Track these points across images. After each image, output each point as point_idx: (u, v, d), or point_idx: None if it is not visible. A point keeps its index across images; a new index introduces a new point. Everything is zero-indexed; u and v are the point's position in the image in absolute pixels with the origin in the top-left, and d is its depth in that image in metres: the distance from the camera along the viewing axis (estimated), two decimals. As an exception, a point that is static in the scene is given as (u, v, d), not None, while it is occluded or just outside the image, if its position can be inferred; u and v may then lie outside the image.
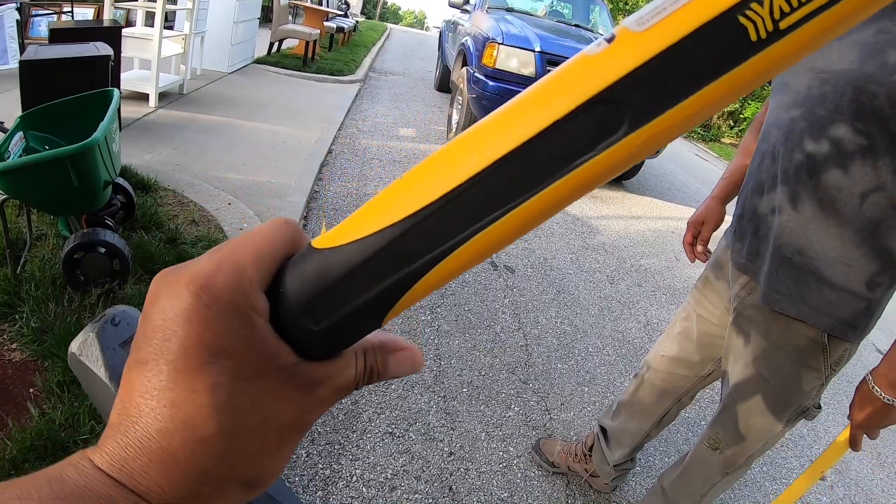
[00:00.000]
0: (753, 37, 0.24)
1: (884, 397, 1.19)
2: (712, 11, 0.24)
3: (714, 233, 1.78)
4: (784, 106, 1.34)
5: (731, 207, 1.75)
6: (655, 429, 1.93)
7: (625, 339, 3.37)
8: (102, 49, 3.21)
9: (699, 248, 1.78)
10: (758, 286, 1.42)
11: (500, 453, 2.30)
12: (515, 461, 2.28)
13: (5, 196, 2.13)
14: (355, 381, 0.31)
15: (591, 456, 2.15)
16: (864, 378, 1.25)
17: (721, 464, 1.63)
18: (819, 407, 1.48)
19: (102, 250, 2.28)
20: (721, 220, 1.77)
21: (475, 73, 5.69)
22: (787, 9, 0.24)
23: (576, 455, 2.19)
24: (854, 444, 1.32)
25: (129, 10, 5.70)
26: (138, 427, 0.26)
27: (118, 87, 3.01)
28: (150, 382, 0.26)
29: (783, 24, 0.24)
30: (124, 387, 0.27)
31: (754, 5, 0.24)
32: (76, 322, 2.12)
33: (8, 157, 2.15)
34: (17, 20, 5.37)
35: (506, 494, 2.12)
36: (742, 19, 0.24)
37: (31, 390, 1.90)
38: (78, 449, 0.27)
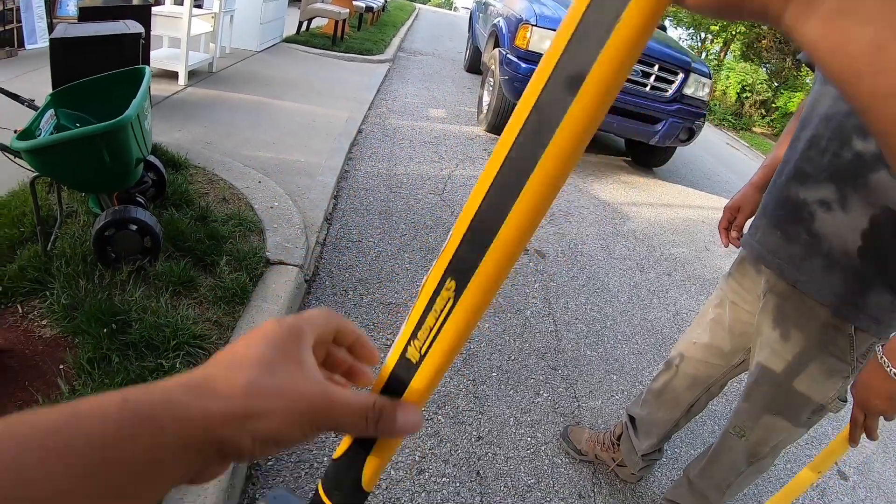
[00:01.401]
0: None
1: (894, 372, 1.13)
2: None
3: (749, 220, 1.73)
4: (833, 96, 1.30)
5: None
6: (684, 418, 1.90)
7: (654, 328, 3.33)
8: (133, 27, 3.21)
9: (734, 233, 1.74)
10: (791, 272, 1.38)
11: (528, 439, 2.28)
12: (543, 448, 2.26)
13: (36, 174, 2.14)
14: (364, 410, 0.41)
15: (618, 445, 2.12)
16: (874, 354, 1.19)
17: (746, 451, 1.61)
18: (844, 400, 1.45)
19: (134, 227, 2.28)
20: (756, 209, 1.72)
21: (507, 55, 5.62)
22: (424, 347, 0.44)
23: (603, 444, 2.17)
24: (854, 430, 1.24)
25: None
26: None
27: (148, 65, 3.02)
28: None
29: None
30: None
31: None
32: (107, 299, 2.13)
33: (39, 135, 2.15)
34: (45, 0, 5.42)
35: (532, 481, 2.11)
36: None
37: (62, 367, 1.90)
38: None
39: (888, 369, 1.12)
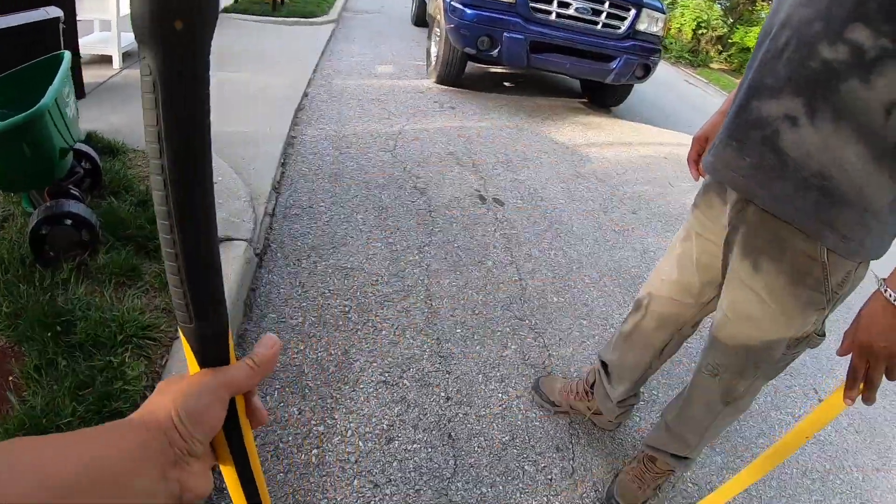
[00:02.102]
0: None
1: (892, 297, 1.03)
2: None
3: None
4: (795, 1, 1.19)
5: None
6: (657, 360, 1.83)
7: (621, 268, 3.26)
8: (52, 12, 3.01)
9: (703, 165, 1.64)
10: (751, 187, 1.29)
11: (499, 395, 2.21)
12: (515, 402, 2.19)
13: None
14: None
15: (592, 393, 2.05)
16: (876, 289, 1.09)
17: (721, 390, 1.54)
18: (823, 335, 1.39)
19: (69, 222, 2.14)
20: None
21: (452, 2, 5.42)
22: None
23: (577, 393, 2.10)
24: (852, 383, 1.12)
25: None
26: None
27: (76, 51, 2.82)
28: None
29: None
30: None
31: None
32: (49, 301, 2.00)
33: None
34: None
35: (507, 438, 2.04)
36: None
37: (10, 378, 1.79)
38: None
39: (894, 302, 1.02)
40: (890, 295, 1.04)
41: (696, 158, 1.67)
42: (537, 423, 2.12)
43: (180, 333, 0.47)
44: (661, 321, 1.73)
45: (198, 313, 0.44)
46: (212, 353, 0.47)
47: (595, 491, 1.94)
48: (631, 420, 2.23)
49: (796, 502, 2.14)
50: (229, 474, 0.53)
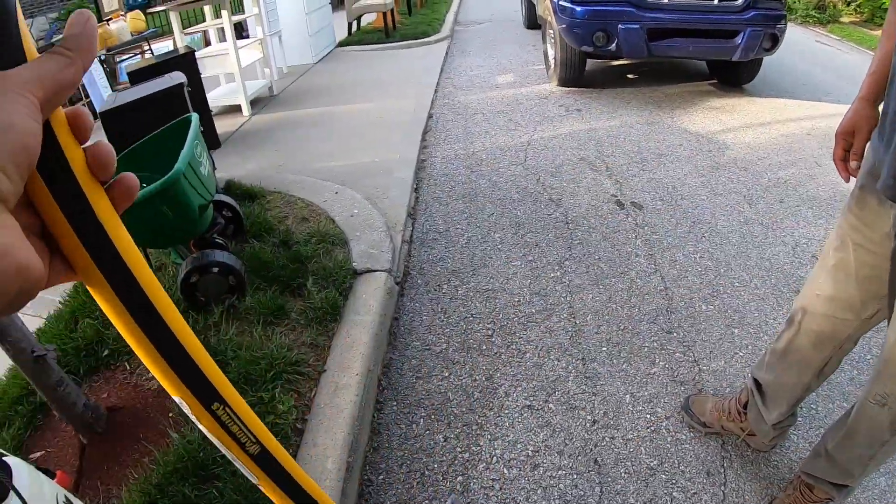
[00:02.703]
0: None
1: None
2: None
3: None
4: None
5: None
6: (816, 381, 1.68)
7: (773, 266, 3.02)
8: (176, 78, 3.31)
9: (852, 164, 1.47)
10: None
11: (647, 416, 2.13)
12: (664, 424, 2.11)
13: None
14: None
15: (746, 413, 1.92)
16: None
17: (890, 420, 1.39)
18: None
19: (216, 270, 2.34)
20: (873, 125, 1.44)
21: (560, 1, 5.34)
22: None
23: (729, 413, 1.97)
24: None
25: (205, 31, 5.87)
26: None
27: (206, 109, 3.09)
28: None
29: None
30: None
31: None
32: (203, 343, 2.18)
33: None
34: (106, 70, 5.77)
35: (655, 462, 1.96)
36: None
37: (170, 416, 1.97)
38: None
39: None
40: None
41: (842, 156, 1.50)
42: (687, 446, 2.03)
43: None
44: (818, 339, 1.59)
45: None
46: None
47: (749, 520, 1.81)
48: (788, 439, 2.07)
49: None
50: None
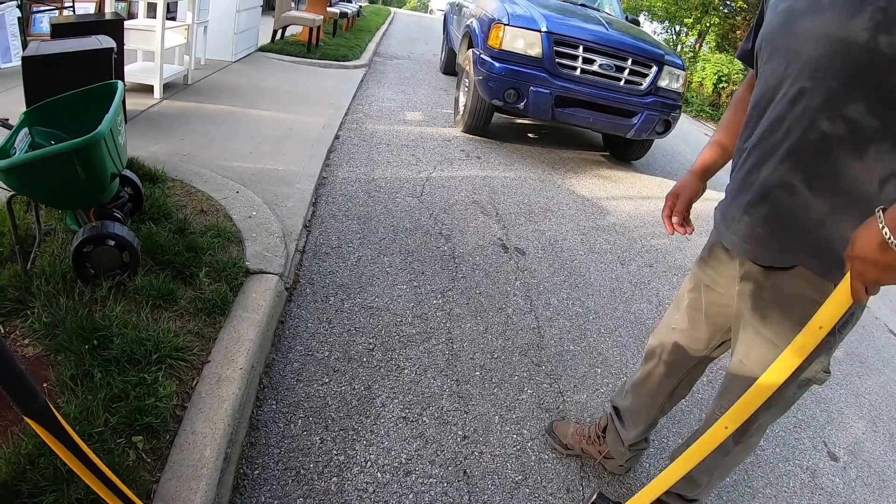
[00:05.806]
0: None
1: (887, 235, 0.97)
2: None
3: (693, 204, 1.77)
4: (792, 74, 1.27)
5: (717, 181, 1.75)
6: (668, 402, 1.93)
7: (637, 320, 3.35)
8: (105, 42, 3.21)
9: (675, 219, 1.75)
10: (763, 257, 1.40)
11: (514, 436, 2.30)
12: (529, 444, 2.28)
13: (12, 193, 2.13)
14: None
15: (604, 438, 2.14)
16: (873, 215, 1.03)
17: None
18: (829, 372, 1.47)
19: (112, 243, 2.27)
20: (696, 193, 1.75)
21: (481, 55, 5.64)
22: None
23: (589, 437, 2.19)
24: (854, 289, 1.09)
25: (130, 2, 5.68)
26: None
27: (122, 80, 3.01)
28: None
29: None
30: None
31: None
32: (88, 315, 2.12)
33: (14, 154, 2.13)
34: (19, 17, 5.39)
35: (520, 477, 2.12)
36: None
37: (45, 385, 1.89)
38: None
39: (888, 240, 0.97)
40: (880, 220, 1.00)
41: (668, 214, 1.77)
42: (549, 465, 2.21)
43: None
44: (673, 368, 1.84)
45: None
46: None
47: (603, 533, 2.00)
48: (639, 465, 2.31)
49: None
50: None
